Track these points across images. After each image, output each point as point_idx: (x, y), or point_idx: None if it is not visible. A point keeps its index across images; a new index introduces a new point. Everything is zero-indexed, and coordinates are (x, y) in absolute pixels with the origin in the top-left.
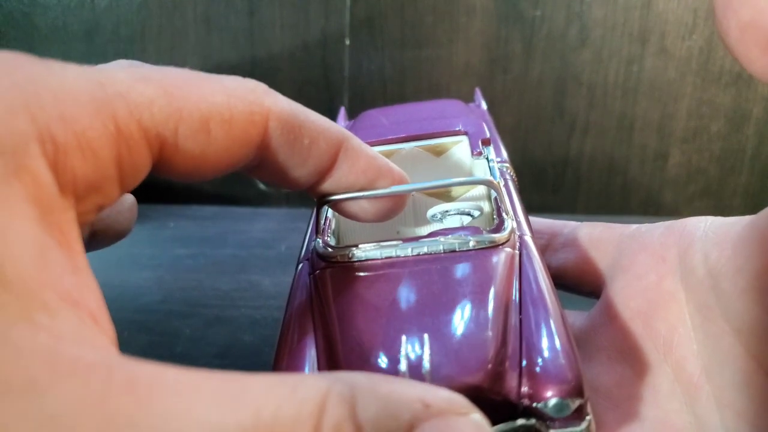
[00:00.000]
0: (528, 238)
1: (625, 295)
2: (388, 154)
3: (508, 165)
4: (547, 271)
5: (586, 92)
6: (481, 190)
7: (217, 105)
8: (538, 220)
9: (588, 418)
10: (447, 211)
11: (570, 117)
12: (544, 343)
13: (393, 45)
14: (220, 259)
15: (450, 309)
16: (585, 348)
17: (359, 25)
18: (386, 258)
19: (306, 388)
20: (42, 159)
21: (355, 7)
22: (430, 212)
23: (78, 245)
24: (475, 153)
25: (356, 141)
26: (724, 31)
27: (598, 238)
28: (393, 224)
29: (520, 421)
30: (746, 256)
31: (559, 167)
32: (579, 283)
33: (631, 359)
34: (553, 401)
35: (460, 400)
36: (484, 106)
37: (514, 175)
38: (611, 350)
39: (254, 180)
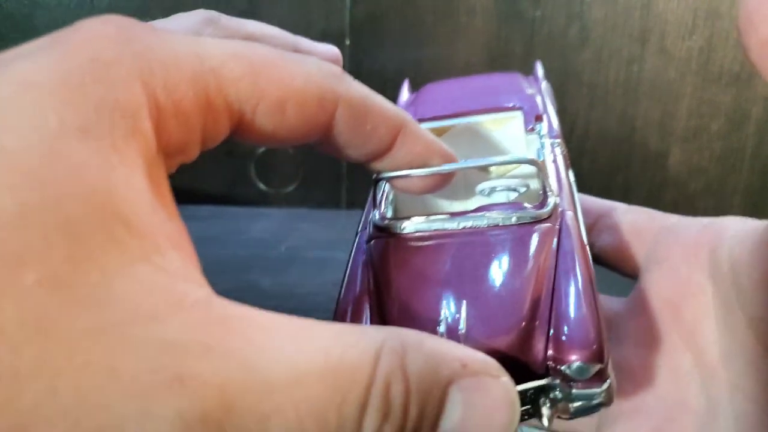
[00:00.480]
0: (570, 215)
1: (658, 285)
2: (445, 129)
3: (559, 141)
4: (584, 247)
5: (587, 92)
6: (530, 166)
7: (295, 88)
8: (588, 198)
9: (608, 381)
10: (495, 188)
11: (571, 117)
12: (572, 312)
13: (393, 45)
14: (220, 259)
15: (487, 278)
16: (617, 332)
17: (359, 25)
18: (435, 230)
19: (367, 338)
20: (149, 122)
21: (355, 8)
22: (478, 188)
23: (170, 196)
24: (528, 129)
25: (414, 126)
26: (747, 46)
27: (640, 226)
28: (446, 197)
29: (546, 380)
30: (762, 254)
31: None
32: (618, 266)
33: (656, 344)
34: (575, 365)
35: (494, 364)
36: (542, 79)
37: (566, 150)
38: (640, 335)
39: (254, 180)
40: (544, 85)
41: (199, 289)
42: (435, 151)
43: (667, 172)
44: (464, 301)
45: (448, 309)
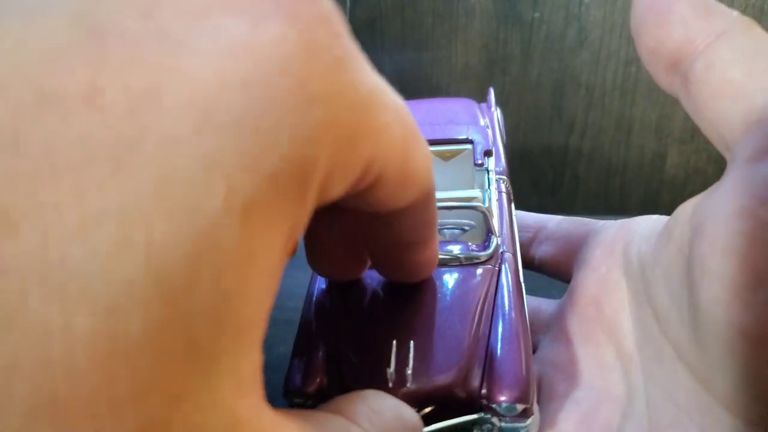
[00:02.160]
0: (509, 256)
1: (584, 284)
2: None
3: (505, 178)
4: (519, 289)
5: (585, 93)
6: (479, 198)
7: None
8: (526, 215)
9: (532, 417)
10: (444, 225)
11: (568, 118)
12: (504, 355)
13: (393, 46)
14: None
15: (433, 317)
16: (553, 331)
17: (359, 27)
18: None
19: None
20: (314, 190)
21: (355, 9)
22: None
23: None
24: (477, 164)
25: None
26: (639, 52)
27: (572, 234)
28: None
29: (479, 415)
30: (662, 248)
31: (557, 168)
32: (556, 273)
33: (584, 339)
34: (504, 404)
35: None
36: (494, 108)
37: (509, 186)
38: (570, 332)
39: None
40: (497, 113)
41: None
42: None
43: (664, 173)
44: (411, 341)
45: (397, 349)
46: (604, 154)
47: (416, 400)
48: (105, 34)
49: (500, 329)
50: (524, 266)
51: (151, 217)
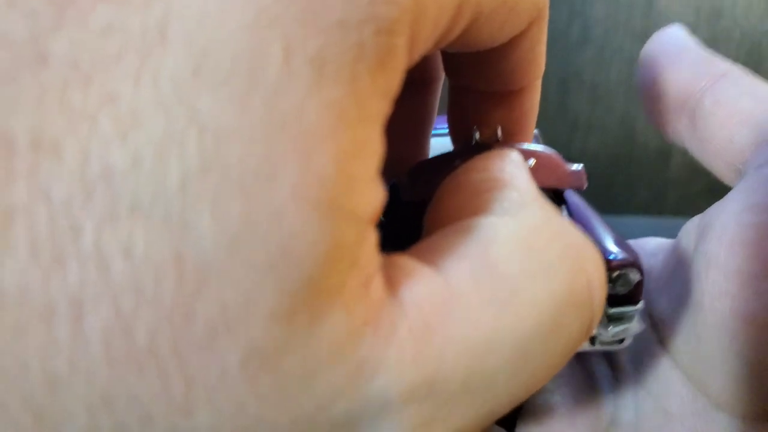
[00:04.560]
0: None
1: None
2: None
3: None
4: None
5: (588, 91)
6: None
7: None
8: None
9: (642, 302)
10: None
11: (572, 115)
12: (601, 234)
13: None
14: None
15: None
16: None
17: None
18: None
19: None
20: (406, 35)
21: None
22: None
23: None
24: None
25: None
26: (644, 102)
27: None
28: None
29: None
30: (665, 259)
31: None
32: None
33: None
34: (614, 274)
35: None
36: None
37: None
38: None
39: None
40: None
41: (383, 286)
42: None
43: (669, 172)
44: None
45: None
46: (608, 152)
47: None
48: None
49: (589, 221)
50: None
51: (196, 102)
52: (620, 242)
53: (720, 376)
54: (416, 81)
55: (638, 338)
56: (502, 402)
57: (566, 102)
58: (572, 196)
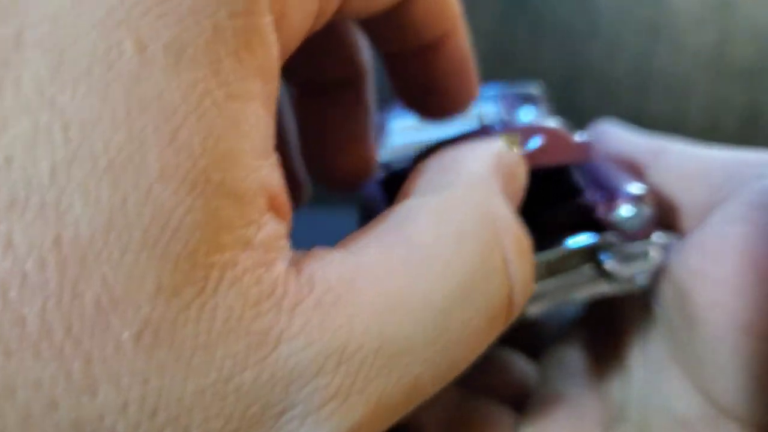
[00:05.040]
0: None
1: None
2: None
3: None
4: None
5: (596, 86)
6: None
7: None
8: None
9: (656, 237)
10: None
11: (579, 111)
12: (613, 176)
13: None
14: None
15: None
16: (567, 335)
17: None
18: None
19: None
20: (270, 16)
21: None
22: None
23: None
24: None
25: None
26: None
27: None
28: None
29: (600, 237)
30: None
31: None
32: None
33: (593, 343)
34: (626, 208)
35: None
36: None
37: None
38: (582, 336)
39: None
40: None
41: (286, 267)
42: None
43: None
44: None
45: None
46: None
47: None
48: None
49: (600, 171)
50: None
51: (58, 98)
52: (633, 182)
53: (728, 388)
54: (340, 81)
55: (647, 336)
56: (424, 373)
57: (573, 96)
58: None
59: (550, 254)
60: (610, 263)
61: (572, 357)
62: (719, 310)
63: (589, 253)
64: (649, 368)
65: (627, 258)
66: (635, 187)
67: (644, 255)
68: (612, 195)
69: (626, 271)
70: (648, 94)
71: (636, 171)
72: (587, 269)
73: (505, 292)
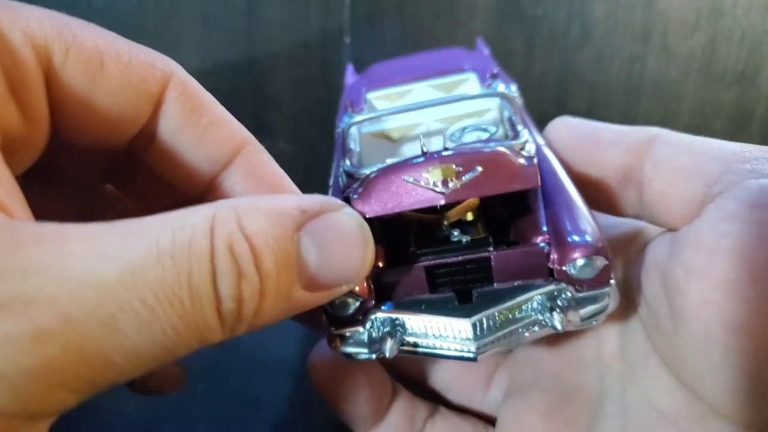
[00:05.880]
0: (545, 148)
1: None
2: (400, 95)
3: (516, 93)
4: (563, 169)
5: (588, 91)
6: (494, 114)
7: (116, 46)
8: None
9: (613, 281)
10: (465, 128)
11: (571, 115)
12: (569, 219)
13: (393, 43)
14: None
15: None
16: None
17: (359, 24)
18: None
19: (195, 216)
20: None
21: (355, 6)
22: (449, 132)
23: None
24: (485, 85)
25: (261, 147)
26: (586, 183)
27: None
28: (414, 148)
29: (552, 285)
30: (649, 263)
31: None
32: None
33: (565, 337)
34: (580, 261)
35: (333, 200)
36: (486, 52)
37: (522, 102)
38: (557, 336)
39: None
40: (489, 56)
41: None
42: (287, 184)
43: None
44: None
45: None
46: None
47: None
48: None
49: (556, 202)
50: None
51: None
52: (588, 229)
53: (716, 386)
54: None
55: (626, 328)
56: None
57: (565, 102)
58: (557, 181)
59: (504, 305)
60: (560, 314)
61: (540, 348)
62: (711, 308)
63: (542, 301)
64: (628, 362)
65: (580, 304)
66: (591, 236)
67: (598, 300)
68: (565, 245)
69: (577, 319)
70: (639, 98)
71: (604, 191)
72: (540, 315)
73: (211, 301)
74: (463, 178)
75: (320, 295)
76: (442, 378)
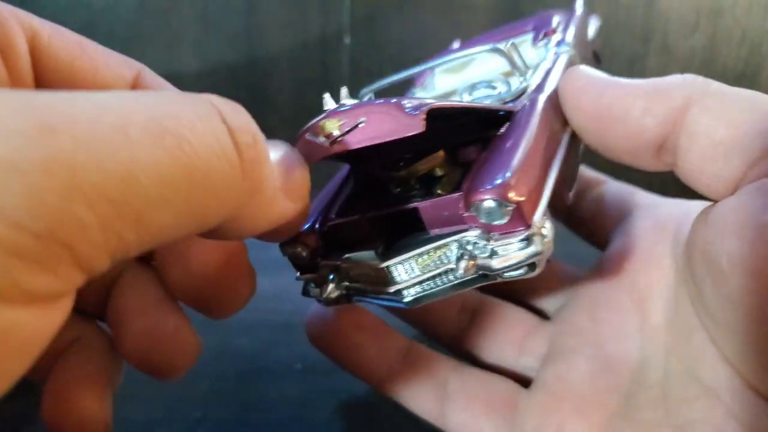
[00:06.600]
0: (541, 96)
1: (623, 253)
2: (464, 65)
3: (568, 48)
4: (545, 118)
5: None
6: (506, 69)
7: (91, 42)
8: (587, 170)
9: (534, 225)
10: (475, 84)
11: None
12: (492, 163)
13: (393, 44)
14: None
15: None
16: (578, 294)
17: (359, 24)
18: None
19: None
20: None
21: (354, 6)
22: (460, 89)
23: None
24: (536, 44)
25: (155, 75)
26: (616, 154)
27: (619, 200)
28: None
29: (461, 233)
30: (699, 235)
31: None
32: (592, 236)
33: (607, 304)
34: (485, 204)
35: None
36: (579, 9)
37: (576, 58)
38: (595, 296)
39: None
40: (580, 12)
41: None
42: None
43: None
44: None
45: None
46: None
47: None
48: None
49: (500, 146)
50: (564, 220)
51: None
52: (502, 172)
53: (757, 365)
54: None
55: (677, 304)
56: (149, 203)
57: None
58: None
59: (415, 251)
60: (466, 261)
61: (582, 318)
62: (754, 298)
63: (458, 247)
64: (674, 334)
65: (496, 251)
66: (501, 178)
67: (520, 247)
68: (470, 190)
69: (492, 266)
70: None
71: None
72: (459, 263)
73: (223, 129)
74: (347, 129)
75: (291, 206)
76: (469, 343)
